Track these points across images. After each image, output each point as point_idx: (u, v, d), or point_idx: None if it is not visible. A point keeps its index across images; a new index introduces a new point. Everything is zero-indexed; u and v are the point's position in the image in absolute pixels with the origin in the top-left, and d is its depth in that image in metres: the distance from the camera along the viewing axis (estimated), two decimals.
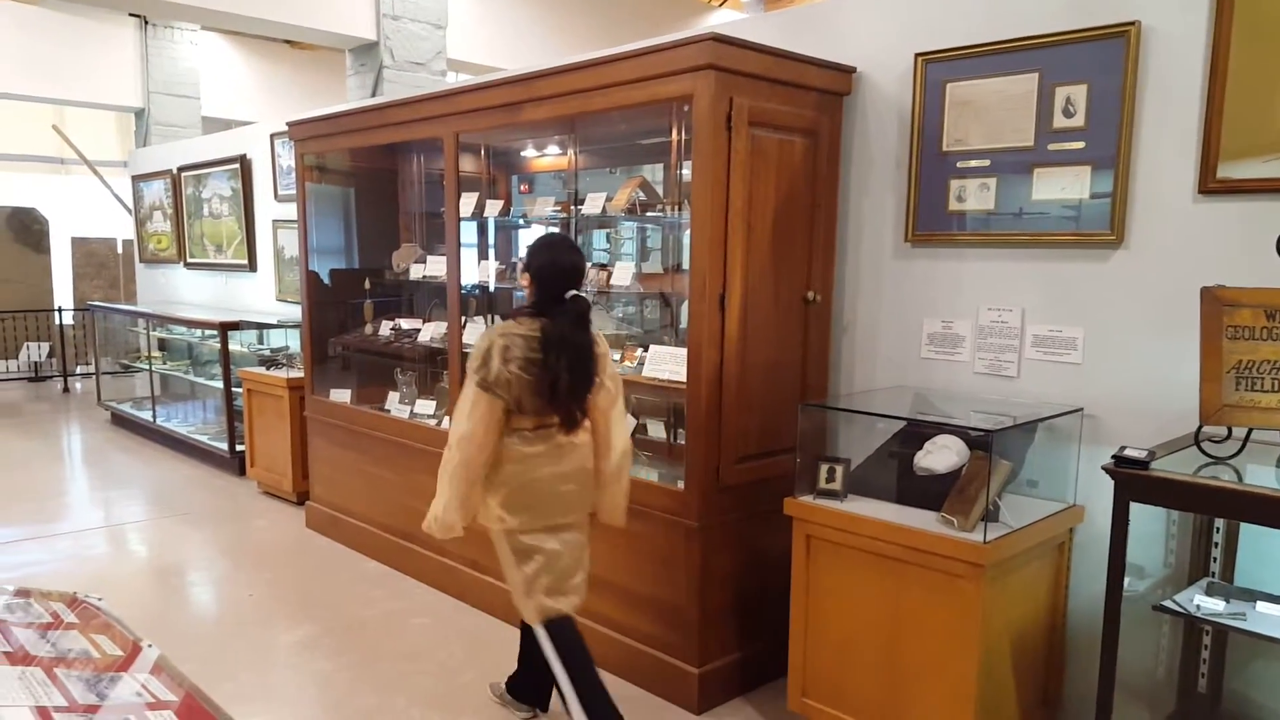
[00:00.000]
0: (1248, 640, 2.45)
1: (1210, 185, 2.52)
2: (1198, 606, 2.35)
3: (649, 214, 3.71)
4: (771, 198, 3.01)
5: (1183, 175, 2.57)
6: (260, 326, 6.54)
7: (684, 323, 3.71)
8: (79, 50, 9.25)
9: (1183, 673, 2.62)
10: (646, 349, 3.50)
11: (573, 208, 3.97)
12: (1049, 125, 2.81)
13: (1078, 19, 2.70)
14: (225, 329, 6.28)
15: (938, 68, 3.04)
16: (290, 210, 6.38)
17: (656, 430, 3.94)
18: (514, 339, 2.63)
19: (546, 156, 4.54)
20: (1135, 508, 2.24)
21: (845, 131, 3.26)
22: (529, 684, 3.04)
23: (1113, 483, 2.26)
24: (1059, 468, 2.85)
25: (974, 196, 3.01)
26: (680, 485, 3.08)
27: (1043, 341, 2.88)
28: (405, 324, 4.74)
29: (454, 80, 7.23)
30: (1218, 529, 2.53)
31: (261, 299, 7.11)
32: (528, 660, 2.99)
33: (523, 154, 4.64)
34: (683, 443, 3.42)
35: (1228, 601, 2.35)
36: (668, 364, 3.28)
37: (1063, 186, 2.79)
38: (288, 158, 6.34)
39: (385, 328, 4.79)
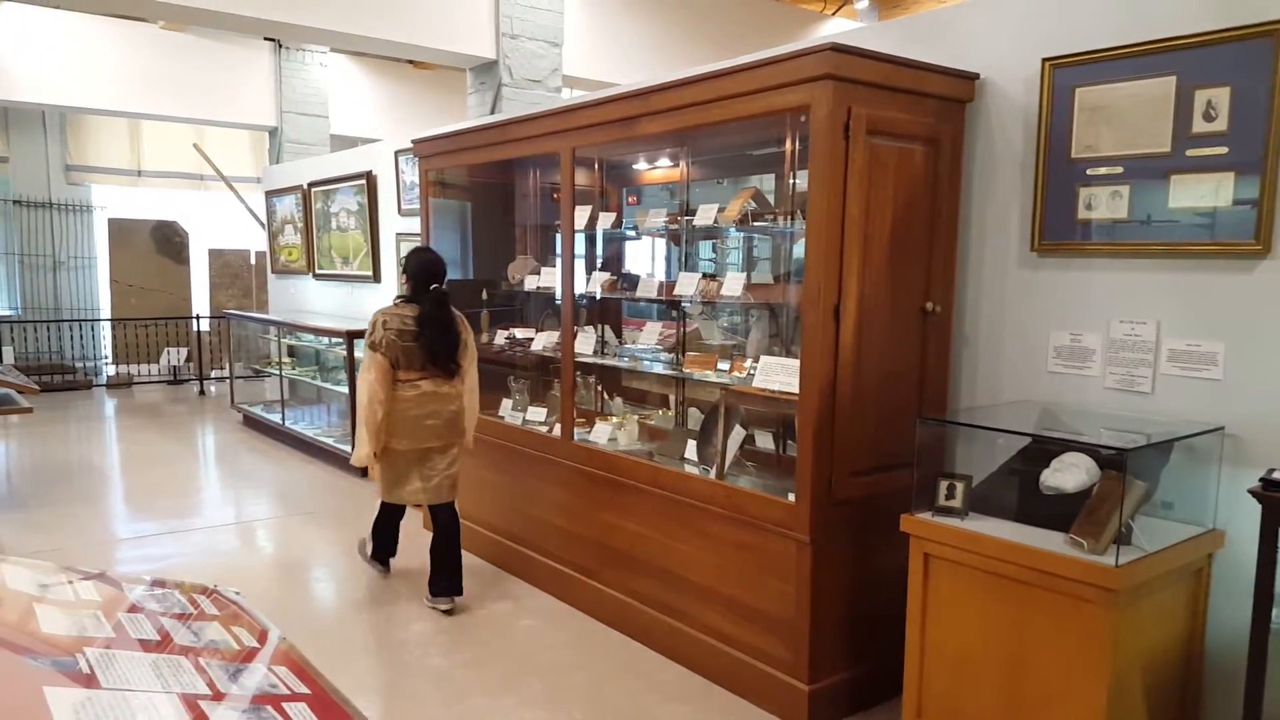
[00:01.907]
0: None
1: None
2: None
3: (759, 224, 3.71)
4: (890, 207, 2.97)
5: None
6: None
7: (794, 333, 3.71)
8: (219, 73, 9.90)
9: None
10: (756, 360, 3.49)
11: (682, 219, 4.00)
12: (1188, 130, 2.68)
13: (1220, 19, 2.57)
14: (352, 337, 6.58)
15: (1066, 72, 2.94)
16: (413, 224, 6.64)
17: (765, 441, 3.93)
18: (391, 316, 3.91)
19: (657, 169, 4.59)
20: None
21: (967, 139, 3.19)
22: (383, 545, 4.47)
23: (1260, 506, 2.13)
24: (1197, 489, 2.70)
25: (1105, 204, 2.89)
26: (791, 498, 3.05)
27: (1180, 356, 2.74)
28: (519, 333, 4.87)
29: (569, 96, 7.39)
30: None
31: None
32: (387, 531, 4.41)
33: (634, 166, 4.71)
34: (791, 454, 3.40)
35: None
36: (779, 375, 3.26)
37: (1202, 194, 2.66)
38: (411, 174, 6.61)
39: (500, 337, 4.93)
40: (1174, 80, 2.68)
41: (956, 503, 2.75)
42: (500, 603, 4.18)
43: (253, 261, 12.16)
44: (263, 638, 1.58)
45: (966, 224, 3.22)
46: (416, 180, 6.35)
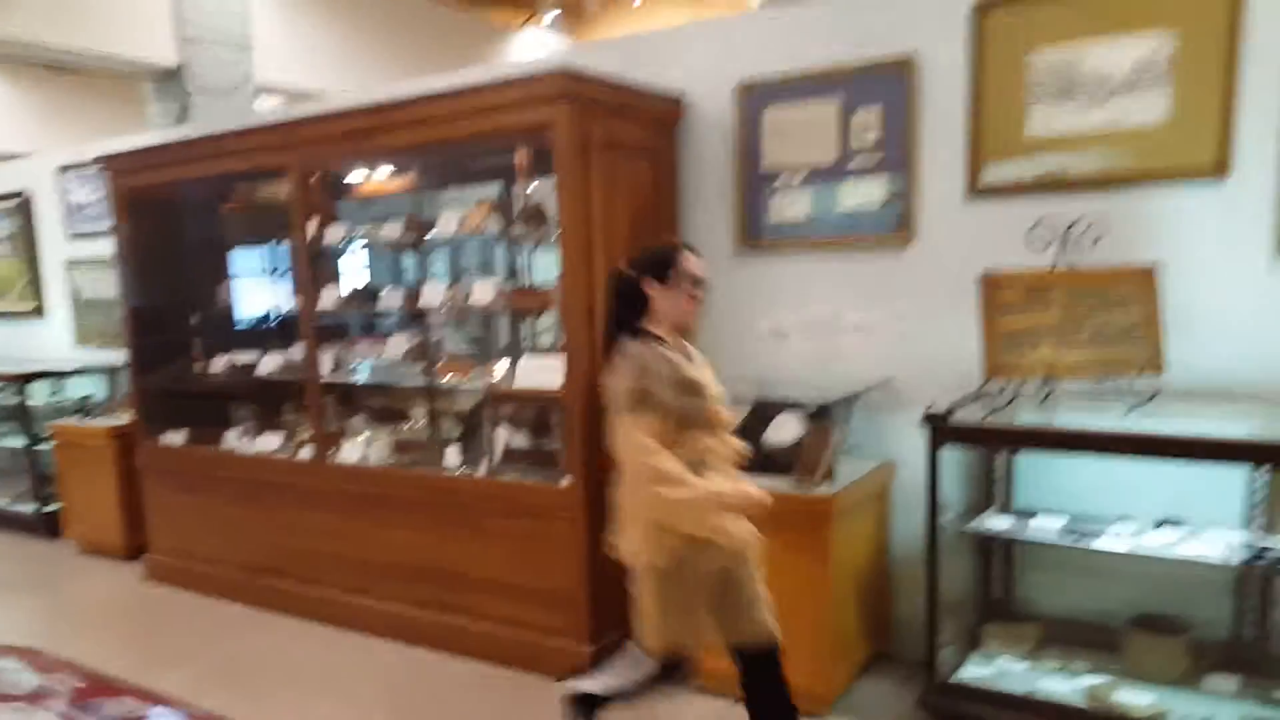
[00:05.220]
0: (1031, 553, 3.10)
1: (976, 189, 3.15)
2: (989, 527, 2.95)
3: (500, 232, 3.92)
4: (625, 212, 3.38)
5: (955, 182, 3.19)
6: (66, 374, 6.03)
7: (538, 336, 4.02)
8: None
9: (984, 585, 3.22)
10: (511, 363, 3.72)
11: (421, 230, 4.09)
12: (850, 144, 3.36)
13: (869, 53, 3.27)
14: (26, 381, 5.77)
15: (754, 95, 3.53)
16: (87, 249, 6.00)
17: (523, 438, 4.16)
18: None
19: (393, 179, 4.60)
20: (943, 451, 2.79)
21: (681, 152, 3.68)
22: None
23: (927, 434, 2.79)
24: (875, 431, 3.41)
25: (790, 207, 3.52)
26: (563, 484, 3.35)
27: (857, 328, 3.44)
28: (240, 357, 4.66)
29: (274, 105, 7.06)
30: (1000, 467, 3.14)
31: (54, 346, 6.57)
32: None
33: (364, 177, 4.67)
34: (549, 448, 3.71)
35: (1012, 521, 2.97)
36: (539, 374, 3.52)
37: (863, 196, 3.35)
38: (81, 193, 5.96)
39: (218, 363, 4.69)
40: (840, 103, 3.35)
41: None
42: (264, 638, 4.04)
43: None
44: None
45: (685, 226, 3.73)
46: (93, 199, 5.79)
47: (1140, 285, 2.81)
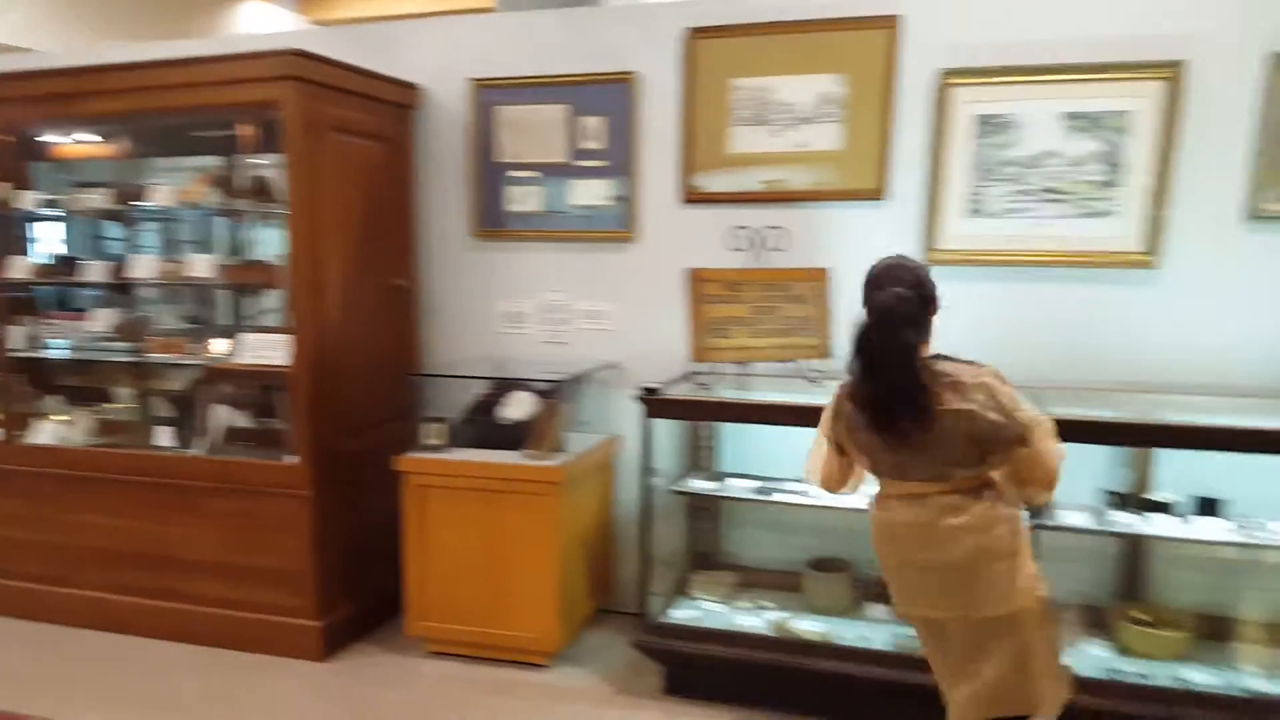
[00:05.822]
0: (732, 511, 3.57)
1: (687, 196, 3.56)
2: (693, 488, 3.37)
3: (220, 205, 3.78)
4: (359, 196, 3.44)
5: (670, 189, 3.57)
6: None
7: (262, 313, 3.93)
8: None
9: (693, 541, 3.64)
10: (231, 339, 3.62)
11: (130, 199, 3.84)
12: (578, 145, 3.64)
13: (596, 65, 3.57)
14: None
15: (488, 92, 3.72)
16: None
17: (245, 415, 4.04)
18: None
19: (97, 144, 4.24)
20: (655, 423, 3.15)
21: (418, 139, 3.78)
22: None
23: (641, 408, 3.14)
24: (602, 408, 3.73)
25: (524, 200, 3.75)
26: (289, 460, 3.35)
27: (586, 315, 3.74)
28: None
29: None
30: (705, 437, 3.58)
31: None
32: None
33: (66, 140, 4.26)
34: (273, 425, 3.66)
35: (713, 483, 3.40)
36: (263, 350, 3.46)
37: (591, 194, 3.66)
38: None
39: None
40: (567, 107, 3.62)
41: (439, 440, 3.38)
42: None
43: None
44: None
45: (424, 212, 3.83)
46: None
47: (815, 284, 3.34)
